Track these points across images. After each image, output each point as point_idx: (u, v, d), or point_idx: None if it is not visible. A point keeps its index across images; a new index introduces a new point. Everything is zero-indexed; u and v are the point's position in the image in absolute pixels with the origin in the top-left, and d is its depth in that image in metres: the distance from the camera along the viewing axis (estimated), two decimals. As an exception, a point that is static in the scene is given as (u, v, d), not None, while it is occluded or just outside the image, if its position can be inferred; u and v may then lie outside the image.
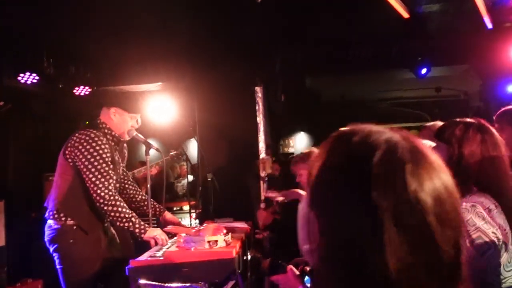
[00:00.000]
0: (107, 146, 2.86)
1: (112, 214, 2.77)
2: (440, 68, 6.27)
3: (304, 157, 3.54)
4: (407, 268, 0.66)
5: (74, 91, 5.81)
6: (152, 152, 3.33)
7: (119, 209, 2.76)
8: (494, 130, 1.84)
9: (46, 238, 2.89)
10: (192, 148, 7.12)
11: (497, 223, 1.65)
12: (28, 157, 6.70)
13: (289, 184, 4.25)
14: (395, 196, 0.67)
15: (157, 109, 5.67)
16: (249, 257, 3.99)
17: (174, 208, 6.36)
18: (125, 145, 3.27)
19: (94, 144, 2.81)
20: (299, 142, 10.02)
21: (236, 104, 5.78)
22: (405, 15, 4.83)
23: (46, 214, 2.91)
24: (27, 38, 5.22)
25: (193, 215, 5.48)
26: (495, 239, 1.60)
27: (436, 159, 0.75)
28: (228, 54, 5.79)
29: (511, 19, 5.29)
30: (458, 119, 1.90)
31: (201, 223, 4.41)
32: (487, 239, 1.58)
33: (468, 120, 1.88)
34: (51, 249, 2.87)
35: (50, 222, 2.88)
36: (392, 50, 5.56)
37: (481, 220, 1.61)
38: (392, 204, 0.67)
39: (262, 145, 5.71)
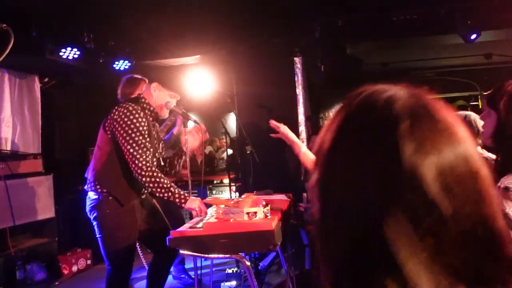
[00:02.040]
0: (144, 120, 2.89)
1: (151, 184, 2.80)
2: (490, 32, 5.86)
3: None
4: (413, 250, 0.54)
5: (114, 65, 5.87)
6: (191, 124, 3.32)
7: (157, 179, 2.80)
8: None
9: (87, 209, 2.98)
10: (231, 122, 7.11)
11: None
12: (74, 132, 6.91)
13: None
14: (385, 166, 0.55)
15: (195, 82, 5.66)
16: (289, 229, 3.97)
17: (214, 182, 6.41)
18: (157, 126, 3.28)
19: (131, 117, 2.85)
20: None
21: (274, 75, 5.69)
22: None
23: (86, 186, 3.00)
24: (67, 13, 5.28)
25: (233, 188, 5.51)
26: None
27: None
28: (265, 25, 5.67)
29: None
30: (509, 83, 1.69)
31: (240, 196, 4.42)
32: None
33: None
34: (91, 219, 2.97)
35: (90, 193, 2.97)
36: (438, 13, 5.24)
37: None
38: (384, 177, 0.55)
39: (301, 118, 5.61)
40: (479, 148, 2.77)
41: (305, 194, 5.04)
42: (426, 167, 0.55)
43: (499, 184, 1.52)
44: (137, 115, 2.88)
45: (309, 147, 5.56)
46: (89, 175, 3.02)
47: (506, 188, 1.50)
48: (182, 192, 2.86)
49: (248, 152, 4.60)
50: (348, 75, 7.35)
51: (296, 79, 5.71)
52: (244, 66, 5.86)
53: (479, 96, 9.53)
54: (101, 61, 5.73)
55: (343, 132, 0.63)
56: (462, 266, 0.55)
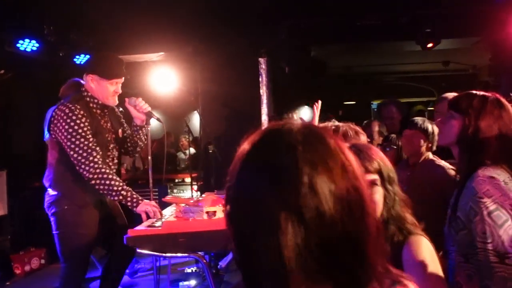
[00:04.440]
0: (84, 119, 2.77)
1: (101, 188, 2.73)
2: (448, 40, 6.10)
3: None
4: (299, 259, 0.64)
5: (75, 59, 5.72)
6: (153, 122, 3.28)
7: (107, 182, 2.72)
8: (510, 106, 1.80)
9: (45, 205, 2.90)
10: (195, 120, 7.07)
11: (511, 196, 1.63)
12: (32, 126, 6.68)
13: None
14: (287, 186, 0.65)
15: (159, 79, 5.59)
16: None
17: (176, 180, 6.37)
18: (118, 110, 3.20)
19: (69, 121, 2.73)
20: (303, 116, 9.92)
21: (239, 75, 5.70)
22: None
23: (45, 181, 2.92)
24: (27, 4, 5.11)
25: (195, 187, 5.48)
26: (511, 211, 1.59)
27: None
28: (231, 24, 5.67)
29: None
30: (475, 91, 1.86)
31: (201, 195, 4.41)
32: (504, 211, 1.57)
33: (486, 93, 1.83)
34: (49, 215, 2.89)
35: (49, 189, 2.89)
36: (399, 21, 5.40)
37: (498, 192, 1.59)
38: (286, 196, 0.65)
39: (265, 118, 5.65)
40: (430, 154, 2.88)
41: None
42: (320, 183, 0.65)
43: (480, 177, 1.65)
44: (74, 117, 2.75)
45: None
46: (47, 172, 2.94)
47: (491, 177, 1.63)
48: (135, 195, 2.78)
49: (211, 151, 4.60)
50: (312, 77, 7.46)
51: (260, 79, 5.75)
52: (208, 65, 5.84)
53: (435, 102, 9.84)
54: (61, 54, 5.57)
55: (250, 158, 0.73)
56: (333, 268, 0.66)
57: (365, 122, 4.51)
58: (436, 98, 9.93)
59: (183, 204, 2.65)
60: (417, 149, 2.87)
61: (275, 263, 0.65)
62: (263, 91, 5.72)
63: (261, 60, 5.73)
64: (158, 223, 2.58)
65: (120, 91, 2.99)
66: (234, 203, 0.72)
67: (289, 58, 5.99)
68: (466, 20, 5.30)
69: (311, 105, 10.57)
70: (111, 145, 3.01)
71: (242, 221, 0.70)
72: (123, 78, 2.97)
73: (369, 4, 5.46)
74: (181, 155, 8.37)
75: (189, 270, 4.62)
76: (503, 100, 1.81)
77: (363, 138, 2.42)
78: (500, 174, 1.65)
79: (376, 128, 4.24)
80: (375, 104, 9.91)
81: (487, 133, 1.72)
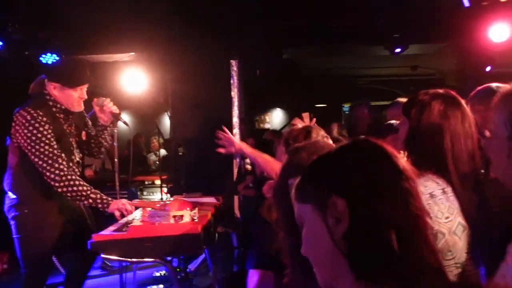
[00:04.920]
0: (47, 126, 2.69)
1: (69, 194, 2.68)
2: (416, 45, 6.23)
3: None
4: None
5: (41, 58, 5.57)
6: (121, 124, 3.23)
7: (75, 188, 2.67)
8: (464, 105, 1.67)
9: (5, 208, 2.82)
10: (167, 121, 6.99)
11: (436, 209, 1.53)
12: (-6, 127, 6.47)
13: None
14: None
15: (129, 80, 5.50)
16: (218, 232, 3.96)
17: (146, 182, 6.28)
18: (83, 114, 3.12)
19: (31, 128, 2.66)
20: (275, 118, 9.96)
21: (210, 77, 5.66)
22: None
23: (4, 184, 2.84)
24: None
25: (165, 189, 5.42)
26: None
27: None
28: (203, 26, 5.63)
29: (489, -2, 5.26)
30: (424, 91, 1.73)
31: (171, 198, 4.36)
32: None
33: (436, 91, 1.71)
34: (9, 218, 2.80)
35: (9, 193, 2.81)
36: (369, 26, 5.48)
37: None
38: None
39: (236, 120, 5.63)
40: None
41: (237, 197, 5.06)
42: None
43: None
44: (37, 124, 2.66)
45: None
46: (6, 175, 2.85)
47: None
48: (104, 197, 2.74)
49: (181, 153, 4.55)
50: (284, 80, 7.50)
51: (231, 81, 5.73)
52: (179, 66, 5.78)
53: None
54: (26, 53, 5.41)
55: None
56: None
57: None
58: (405, 102, 10.15)
59: (149, 208, 2.61)
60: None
61: None
62: (234, 93, 5.70)
63: (233, 62, 5.71)
64: (123, 228, 2.53)
65: (86, 97, 2.92)
66: None
67: (261, 61, 5.99)
68: (434, 26, 5.42)
69: (282, 107, 10.60)
70: (75, 149, 2.94)
71: None
72: (88, 84, 2.91)
73: (340, 9, 5.51)
74: (152, 157, 8.27)
75: (157, 274, 4.56)
76: (458, 98, 1.69)
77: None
78: (428, 186, 1.55)
79: (335, 129, 4.30)
80: (346, 107, 10.03)
81: (429, 136, 1.62)
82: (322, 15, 5.55)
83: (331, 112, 9.70)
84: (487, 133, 1.27)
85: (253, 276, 2.18)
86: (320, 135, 2.30)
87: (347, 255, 0.84)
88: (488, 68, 6.04)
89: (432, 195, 1.53)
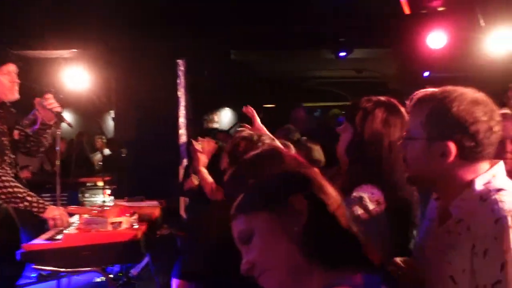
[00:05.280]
0: None
1: (4, 196, 2.52)
2: (361, 50, 6.43)
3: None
4: None
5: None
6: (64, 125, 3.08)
7: (9, 189, 2.52)
8: (404, 113, 1.69)
9: None
10: (111, 120, 6.79)
11: (382, 217, 1.60)
12: None
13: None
14: None
15: (71, 77, 5.28)
16: (162, 235, 3.89)
17: (88, 184, 6.05)
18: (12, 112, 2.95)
19: None
20: (224, 118, 9.93)
21: (156, 76, 5.56)
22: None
23: None
24: None
25: (108, 191, 5.25)
26: None
27: None
28: (150, 25, 5.51)
29: (428, 6, 5.49)
30: (367, 97, 1.76)
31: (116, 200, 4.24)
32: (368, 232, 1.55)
33: (379, 98, 1.75)
34: None
35: None
36: (316, 30, 5.59)
37: (364, 212, 1.56)
38: None
39: (182, 120, 5.56)
40: None
41: (183, 199, 5.00)
42: None
43: (354, 194, 1.59)
44: None
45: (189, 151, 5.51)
46: None
47: (360, 198, 1.58)
48: (41, 200, 2.60)
49: (124, 155, 4.44)
50: (233, 81, 7.49)
51: (178, 81, 5.65)
52: (124, 65, 5.63)
53: (350, 107, 10.36)
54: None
55: None
56: None
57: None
58: (349, 103, 10.44)
59: (86, 215, 2.51)
60: None
61: None
62: (181, 93, 5.63)
63: (180, 61, 5.64)
64: (57, 236, 2.42)
65: (18, 80, 2.74)
66: None
67: (208, 61, 5.95)
68: (376, 32, 5.60)
69: (231, 107, 10.56)
70: (8, 149, 2.78)
71: None
72: (15, 66, 2.72)
73: (288, 14, 5.58)
74: (97, 156, 8.00)
75: (98, 280, 4.42)
76: (398, 105, 1.72)
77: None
78: (374, 194, 1.60)
79: (285, 133, 4.35)
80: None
81: (372, 141, 1.65)
82: (270, 20, 5.59)
83: (280, 112, 9.81)
84: (404, 134, 1.34)
85: (173, 286, 2.16)
86: (266, 141, 2.31)
87: (308, 249, 0.91)
88: (426, 73, 6.31)
89: (379, 203, 1.58)
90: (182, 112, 5.60)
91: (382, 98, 1.76)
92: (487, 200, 1.17)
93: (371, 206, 1.56)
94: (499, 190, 1.18)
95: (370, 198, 1.56)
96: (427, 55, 5.96)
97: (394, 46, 6.30)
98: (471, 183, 1.21)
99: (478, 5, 5.25)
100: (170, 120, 5.42)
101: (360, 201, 1.56)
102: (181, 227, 4.67)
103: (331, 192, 0.99)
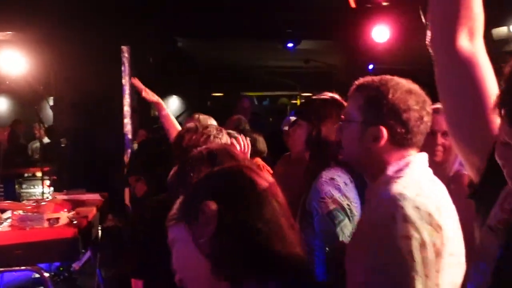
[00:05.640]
0: None
1: None
2: (309, 41, 6.50)
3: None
4: None
5: None
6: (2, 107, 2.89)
7: None
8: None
9: None
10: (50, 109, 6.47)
11: (350, 196, 1.75)
12: None
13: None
14: None
15: (6, 61, 4.96)
16: (107, 227, 3.79)
17: (26, 175, 5.76)
18: None
19: None
20: (172, 105, 9.75)
21: (99, 63, 5.33)
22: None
23: None
24: None
25: (47, 182, 5.03)
26: (349, 211, 1.71)
27: None
28: (93, 10, 5.27)
29: (373, 1, 5.61)
30: (315, 97, 1.98)
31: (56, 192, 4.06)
32: (342, 211, 1.69)
33: (324, 96, 1.94)
34: None
35: None
36: (265, 21, 5.58)
37: (338, 192, 1.70)
38: None
39: (127, 109, 5.40)
40: None
41: (128, 189, 4.87)
42: None
43: (323, 178, 1.75)
44: None
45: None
46: None
47: (332, 179, 1.74)
48: None
49: (63, 145, 4.25)
50: (180, 69, 7.35)
51: (123, 68, 5.47)
52: (66, 50, 5.35)
53: (298, 96, 10.49)
54: None
55: None
56: None
57: None
58: (297, 93, 10.56)
59: (20, 211, 2.39)
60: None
61: None
62: (126, 80, 5.45)
63: (124, 48, 5.45)
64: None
65: None
66: None
67: (154, 48, 5.79)
68: (323, 25, 5.67)
69: (179, 95, 10.38)
70: None
71: None
72: None
73: (237, 3, 5.52)
74: (35, 145, 7.62)
75: (37, 275, 4.23)
76: (341, 100, 1.91)
77: (225, 138, 2.38)
78: (341, 176, 1.76)
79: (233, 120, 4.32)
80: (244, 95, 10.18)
81: (329, 136, 1.82)
82: (218, 8, 5.51)
83: (228, 101, 9.77)
84: (342, 117, 1.40)
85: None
86: (211, 132, 2.27)
87: (211, 258, 0.87)
88: (370, 66, 6.49)
89: (345, 183, 1.75)
90: (126, 100, 5.44)
91: (334, 95, 1.96)
92: (387, 185, 1.21)
93: (341, 186, 1.71)
94: (399, 177, 1.22)
95: (338, 180, 1.73)
96: (371, 48, 6.12)
97: (340, 38, 6.42)
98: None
99: (421, 2, 5.42)
100: (114, 108, 5.25)
101: (332, 182, 1.71)
102: (126, 219, 4.58)
103: (264, 191, 0.92)
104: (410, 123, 1.24)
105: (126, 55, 5.41)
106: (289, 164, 2.98)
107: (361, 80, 1.35)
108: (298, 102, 10.30)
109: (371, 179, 1.33)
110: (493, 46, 6.16)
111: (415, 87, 1.29)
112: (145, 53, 5.78)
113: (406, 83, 1.29)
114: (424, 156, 1.31)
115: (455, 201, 1.87)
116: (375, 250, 1.13)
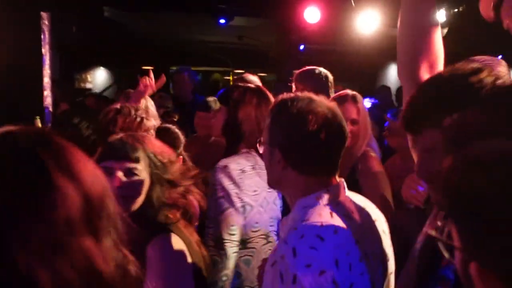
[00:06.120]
0: None
1: None
2: (242, 18, 6.46)
3: None
4: None
5: None
6: None
7: None
8: (271, 98, 1.93)
9: None
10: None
11: (246, 183, 1.75)
12: None
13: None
14: None
15: None
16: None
17: None
18: None
19: None
20: (98, 78, 9.31)
21: (15, 30, 4.94)
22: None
23: None
24: None
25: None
26: (237, 199, 1.72)
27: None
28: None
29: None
30: (240, 83, 2.08)
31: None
32: (229, 199, 1.70)
33: (249, 85, 1.99)
34: None
35: None
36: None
37: (229, 180, 1.71)
38: None
39: (47, 81, 5.07)
40: None
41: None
42: None
43: (218, 165, 1.76)
44: None
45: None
46: None
47: (225, 166, 1.74)
48: None
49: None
50: (108, 40, 7.02)
51: (42, 36, 5.10)
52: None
53: (231, 73, 10.43)
54: None
55: None
56: None
57: None
58: (230, 69, 10.50)
59: None
60: None
61: None
62: (46, 50, 5.09)
63: (44, 14, 5.07)
64: None
65: None
66: None
67: (78, 16, 5.46)
68: (256, 2, 5.64)
69: (106, 67, 9.91)
70: None
71: None
72: None
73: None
74: None
75: None
76: (265, 90, 1.98)
77: (149, 124, 2.28)
78: (240, 163, 1.77)
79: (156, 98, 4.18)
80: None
81: (245, 122, 1.85)
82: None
83: (159, 75, 9.49)
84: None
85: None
86: (141, 115, 2.19)
87: None
88: (302, 47, 6.58)
89: (243, 171, 1.75)
90: (47, 71, 5.10)
91: (252, 85, 2.01)
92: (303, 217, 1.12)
93: (234, 174, 1.71)
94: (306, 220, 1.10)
95: (234, 167, 1.73)
96: (303, 28, 6.20)
97: (273, 17, 6.43)
98: (306, 194, 1.16)
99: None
100: (33, 80, 4.90)
101: (224, 169, 1.71)
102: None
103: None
104: (306, 146, 1.14)
105: (46, 22, 5.04)
106: (206, 146, 2.96)
107: (280, 97, 1.26)
108: (231, 78, 10.25)
109: (289, 202, 1.25)
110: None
111: (324, 107, 1.17)
112: (68, 22, 5.43)
113: (316, 103, 1.17)
114: (336, 188, 1.18)
115: (362, 179, 2.01)
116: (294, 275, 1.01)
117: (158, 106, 4.08)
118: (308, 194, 1.16)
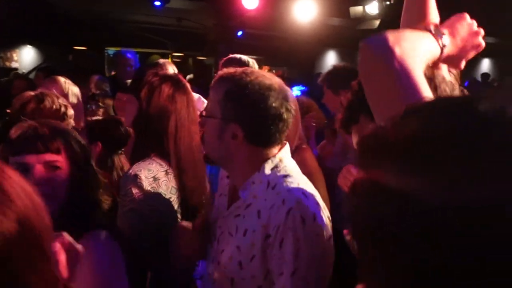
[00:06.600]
0: None
1: None
2: (181, 0, 6.33)
3: None
4: None
5: None
6: None
7: None
8: (190, 90, 1.71)
9: None
10: None
11: (161, 192, 1.57)
12: None
13: None
14: None
15: None
16: None
17: None
18: None
19: None
20: (26, 56, 8.76)
21: None
22: None
23: None
24: None
25: None
26: (148, 212, 1.52)
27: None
28: None
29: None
30: (154, 71, 1.71)
31: None
32: (137, 212, 1.50)
33: (165, 74, 1.74)
34: None
35: None
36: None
37: (139, 190, 1.51)
38: None
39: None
40: None
41: None
42: None
43: (128, 173, 1.55)
44: None
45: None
46: None
47: (135, 176, 1.52)
48: None
49: None
50: (36, 17, 6.62)
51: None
52: None
53: (169, 55, 10.20)
54: None
55: None
56: None
57: None
58: (169, 51, 10.27)
59: None
60: None
61: None
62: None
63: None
64: None
65: None
66: None
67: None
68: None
69: (35, 45, 9.40)
70: None
71: None
72: None
73: None
74: None
75: None
76: (184, 82, 1.71)
77: (70, 113, 2.17)
78: (152, 169, 1.55)
79: (94, 81, 4.02)
80: (111, 50, 9.52)
81: (155, 115, 1.60)
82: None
83: (92, 55, 9.10)
84: (203, 112, 1.33)
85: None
86: (60, 101, 2.07)
87: None
88: (240, 33, 6.57)
89: (155, 178, 1.54)
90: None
91: (169, 74, 1.77)
92: (275, 186, 1.19)
93: (145, 183, 1.51)
94: (286, 176, 1.21)
95: (146, 176, 1.53)
96: (241, 14, 6.18)
97: (212, 1, 6.35)
98: (260, 167, 1.22)
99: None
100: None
101: (134, 179, 1.51)
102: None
103: None
104: (267, 121, 1.19)
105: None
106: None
107: (224, 71, 1.26)
108: (170, 60, 10.05)
109: (236, 177, 1.28)
110: (350, 24, 6.65)
111: (276, 82, 1.23)
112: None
113: (267, 78, 1.23)
114: (287, 148, 1.30)
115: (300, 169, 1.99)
116: (296, 251, 1.11)
117: (95, 89, 3.92)
118: (259, 166, 1.22)
